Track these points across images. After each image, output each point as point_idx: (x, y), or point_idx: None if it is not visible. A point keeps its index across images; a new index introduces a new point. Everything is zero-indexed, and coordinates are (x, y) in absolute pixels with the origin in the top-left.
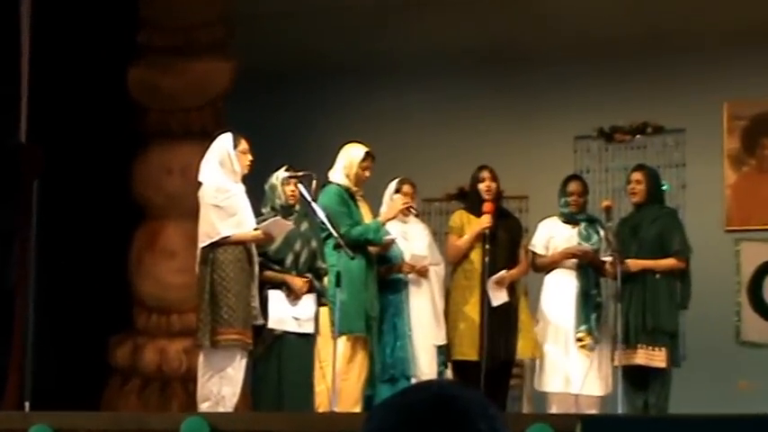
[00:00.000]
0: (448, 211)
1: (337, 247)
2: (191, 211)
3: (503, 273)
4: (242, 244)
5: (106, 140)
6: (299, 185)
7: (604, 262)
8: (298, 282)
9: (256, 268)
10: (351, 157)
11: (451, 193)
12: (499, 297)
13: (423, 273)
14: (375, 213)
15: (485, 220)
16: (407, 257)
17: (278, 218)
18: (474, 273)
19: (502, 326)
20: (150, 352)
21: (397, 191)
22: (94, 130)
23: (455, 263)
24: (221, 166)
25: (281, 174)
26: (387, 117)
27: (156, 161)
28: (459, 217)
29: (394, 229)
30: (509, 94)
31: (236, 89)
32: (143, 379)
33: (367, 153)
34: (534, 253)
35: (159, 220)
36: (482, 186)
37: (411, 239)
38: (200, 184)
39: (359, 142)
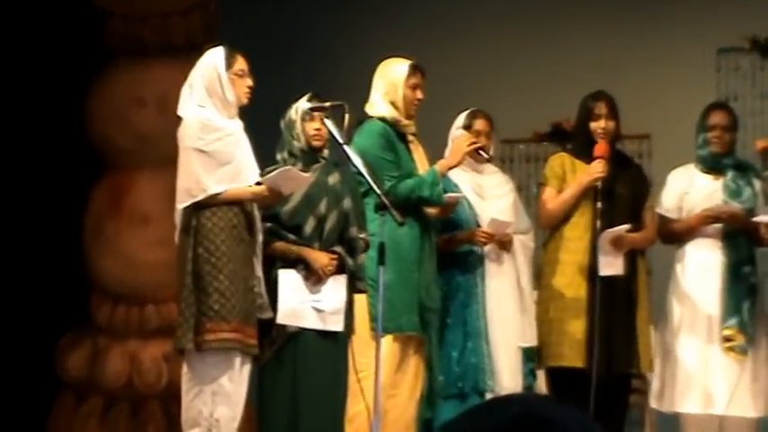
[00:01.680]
0: (538, 156)
1: (381, 208)
2: (172, 159)
3: (622, 228)
4: (238, 204)
5: (52, 60)
6: (327, 121)
7: (760, 225)
8: (321, 258)
9: (260, 238)
10: (392, 75)
11: (543, 132)
12: (612, 265)
13: (506, 244)
14: (434, 161)
15: (596, 168)
16: (484, 221)
17: (288, 167)
18: (579, 243)
19: (619, 318)
20: (116, 359)
21: (466, 127)
22: (35, 45)
23: (552, 228)
24: (209, 95)
25: (302, 105)
26: (446, 27)
27: (123, 88)
28: (560, 162)
29: (462, 182)
30: None
31: None
32: (106, 397)
33: (413, 67)
34: (662, 216)
35: (127, 171)
36: (596, 126)
37: (489, 196)
38: (179, 119)
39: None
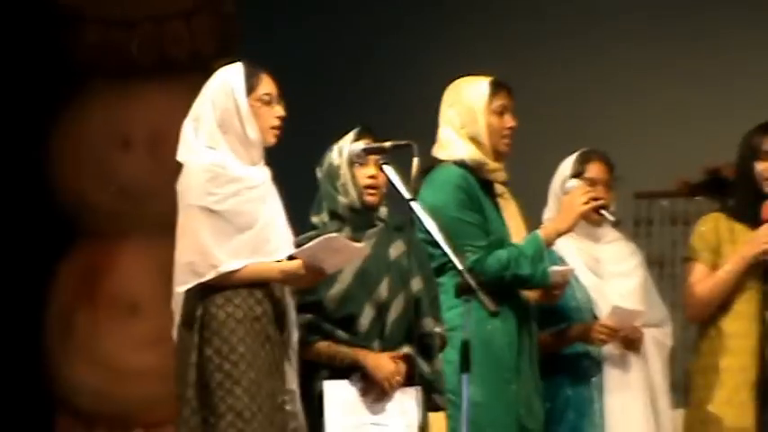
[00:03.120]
0: (688, 216)
1: (464, 291)
2: (169, 222)
3: None
4: (263, 287)
5: (7, 86)
6: (386, 168)
7: None
8: (386, 363)
9: (294, 335)
10: (468, 100)
11: (695, 183)
12: None
13: (634, 343)
14: (533, 224)
15: (765, 235)
16: (603, 310)
17: (333, 234)
18: (744, 343)
19: None
20: None
21: (576, 176)
22: None
23: (704, 321)
24: (222, 131)
25: (350, 146)
26: (548, 42)
27: (101, 122)
28: (713, 227)
29: (571, 253)
30: None
31: None
32: None
33: (495, 84)
34: None
35: (107, 241)
36: (764, 168)
37: (608, 274)
38: (180, 166)
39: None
